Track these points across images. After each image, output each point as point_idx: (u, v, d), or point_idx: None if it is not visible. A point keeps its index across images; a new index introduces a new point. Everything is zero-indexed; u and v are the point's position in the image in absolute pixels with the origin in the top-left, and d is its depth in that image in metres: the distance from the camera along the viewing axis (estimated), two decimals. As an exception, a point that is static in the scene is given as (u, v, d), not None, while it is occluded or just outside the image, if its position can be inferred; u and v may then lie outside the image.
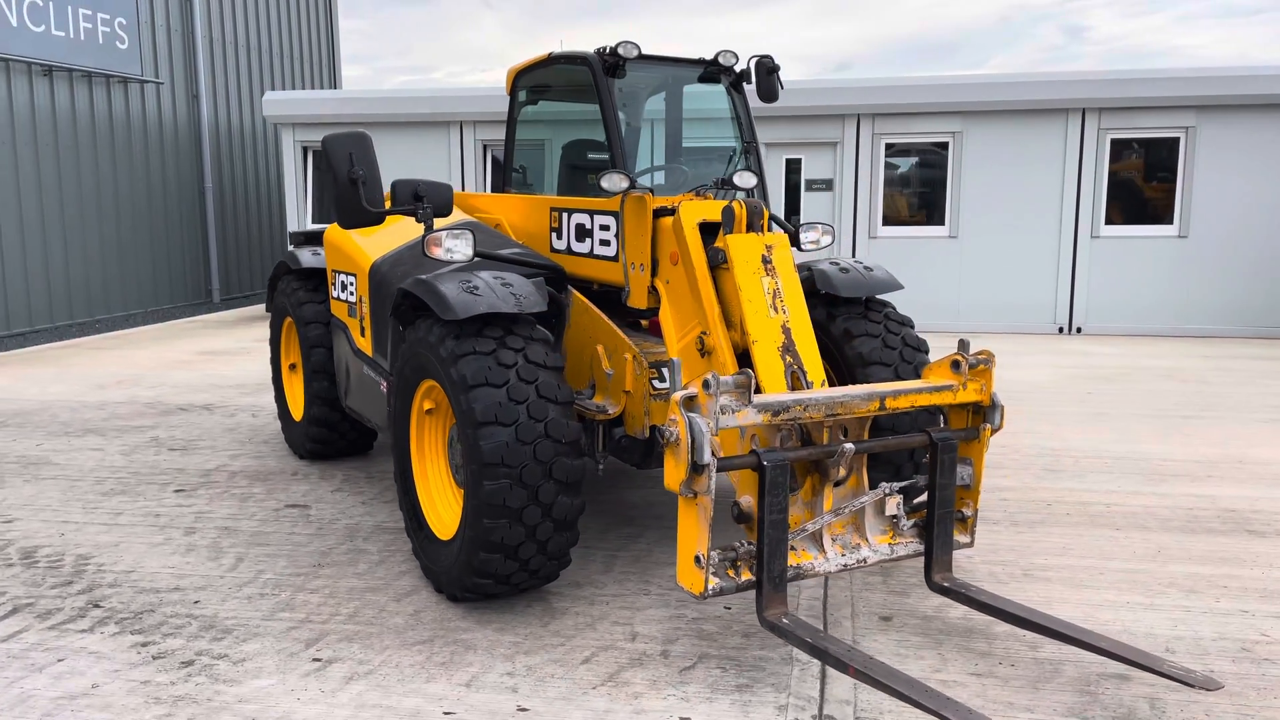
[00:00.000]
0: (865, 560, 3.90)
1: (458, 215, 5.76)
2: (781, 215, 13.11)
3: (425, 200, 4.64)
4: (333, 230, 6.20)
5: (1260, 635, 3.98)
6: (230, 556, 4.90)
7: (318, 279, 6.56)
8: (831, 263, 5.14)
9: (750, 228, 4.22)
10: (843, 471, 3.79)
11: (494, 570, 3.98)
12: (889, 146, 13.08)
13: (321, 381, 6.28)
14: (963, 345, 4.18)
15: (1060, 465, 6.54)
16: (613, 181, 4.44)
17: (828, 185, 13.28)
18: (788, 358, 4.00)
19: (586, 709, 3.41)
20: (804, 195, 13.37)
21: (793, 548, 3.82)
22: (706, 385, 3.43)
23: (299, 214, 14.67)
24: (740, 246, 4.13)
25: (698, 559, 3.52)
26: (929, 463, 3.95)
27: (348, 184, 4.41)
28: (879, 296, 5.25)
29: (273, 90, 17.83)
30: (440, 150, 14.06)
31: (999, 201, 12.84)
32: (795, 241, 5.53)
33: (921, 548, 4.01)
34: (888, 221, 13.23)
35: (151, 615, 4.20)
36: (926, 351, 5.00)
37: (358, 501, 5.78)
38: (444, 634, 4.01)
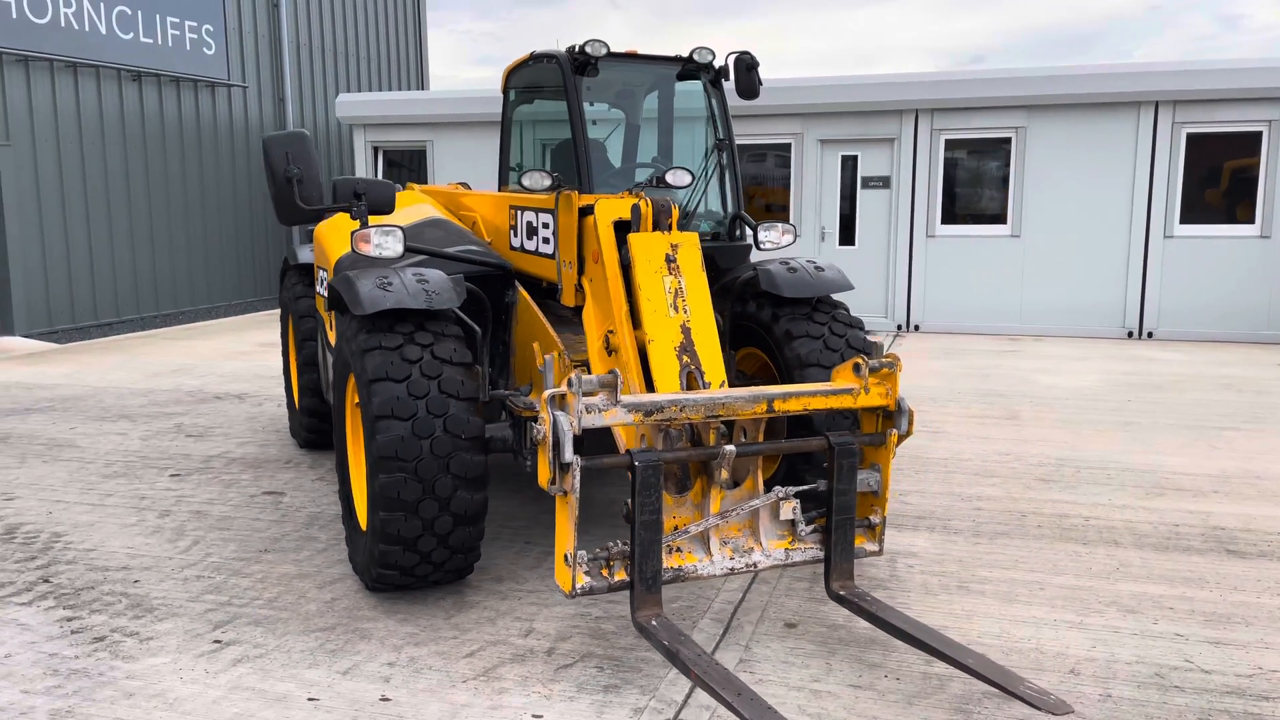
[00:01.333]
0: (756, 565, 3.83)
1: (426, 213, 5.86)
2: (835, 215, 12.90)
3: (364, 198, 4.75)
4: (320, 227, 6.40)
5: (1183, 661, 3.74)
6: (188, 539, 5.12)
7: (313, 274, 6.78)
8: (781, 262, 5.04)
9: (657, 226, 4.18)
10: (725, 474, 3.73)
11: (395, 562, 4.05)
12: (949, 142, 12.69)
13: (311, 373, 6.49)
14: (876, 349, 4.07)
15: (1057, 475, 6.25)
16: (534, 179, 4.47)
17: (885, 182, 12.97)
18: (684, 357, 3.96)
19: (446, 702, 3.45)
20: (860, 193, 13.09)
21: (678, 549, 3.78)
22: (570, 385, 3.43)
23: (368, 212, 15.12)
24: (642, 245, 4.10)
25: (566, 557, 3.53)
26: (828, 468, 3.85)
27: (284, 182, 4.55)
28: (833, 297, 5.13)
29: (350, 92, 18.41)
30: (501, 149, 14.28)
31: (1064, 199, 12.31)
32: (755, 242, 5.46)
33: (821, 554, 3.92)
34: (947, 219, 12.84)
35: (90, 592, 4.43)
36: (870, 354, 4.85)
37: (332, 490, 5.96)
38: (348, 622, 4.11)
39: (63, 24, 12.88)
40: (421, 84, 21.46)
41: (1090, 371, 9.96)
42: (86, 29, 13.22)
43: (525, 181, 4.48)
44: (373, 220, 4.76)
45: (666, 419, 3.58)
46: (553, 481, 3.48)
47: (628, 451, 3.57)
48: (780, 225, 5.46)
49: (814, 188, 13.18)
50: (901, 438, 3.95)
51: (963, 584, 4.50)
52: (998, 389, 9.05)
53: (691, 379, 3.94)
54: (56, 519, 5.45)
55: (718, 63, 5.90)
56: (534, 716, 3.36)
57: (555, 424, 3.40)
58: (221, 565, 4.76)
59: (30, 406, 8.50)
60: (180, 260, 14.96)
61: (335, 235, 6.14)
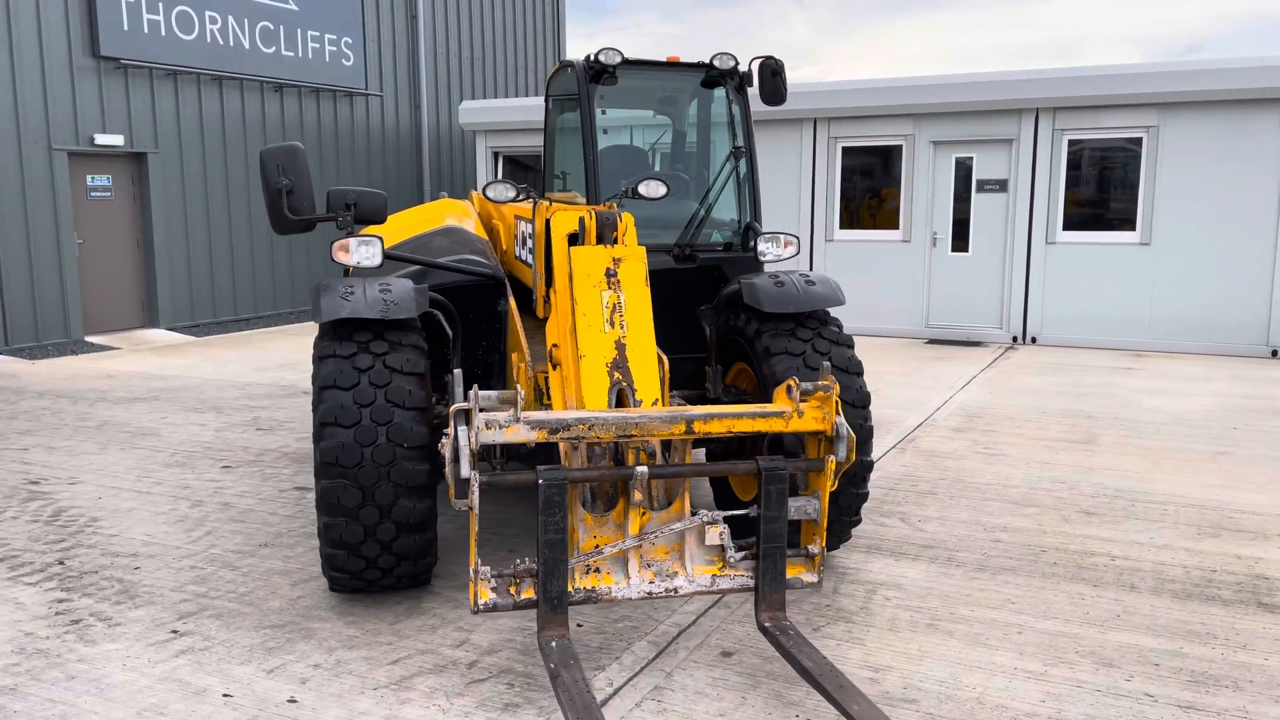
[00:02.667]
0: (677, 590, 3.71)
1: (442, 222, 5.96)
2: (948, 220, 12.35)
3: (355, 208, 4.89)
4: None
5: (1137, 726, 3.38)
6: (203, 530, 5.41)
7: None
8: (772, 275, 4.86)
9: (601, 240, 4.11)
10: (639, 495, 3.63)
11: (341, 565, 4.16)
12: (1072, 143, 11.91)
13: None
14: (823, 370, 3.87)
15: (1105, 508, 5.77)
16: (497, 190, 4.48)
17: (1001, 186, 12.31)
18: (616, 374, 3.88)
19: (347, 708, 3.52)
20: (974, 197, 12.47)
21: (596, 569, 3.71)
22: (468, 400, 3.42)
23: (488, 214, 15.56)
24: (583, 259, 4.04)
25: (471, 572, 3.53)
26: (758, 493, 3.69)
27: (275, 193, 4.74)
28: (829, 313, 4.91)
29: (485, 98, 18.96)
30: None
31: (1200, 204, 11.34)
32: (755, 253, 5.31)
33: (751, 583, 3.76)
34: (1069, 225, 12.05)
35: (91, 576, 4.75)
36: (860, 375, 4.62)
37: (357, 489, 6.16)
38: (300, 621, 4.25)
39: (208, 39, 13.85)
40: (559, 88, 21.86)
41: (1207, 394, 9.14)
42: (231, 44, 14.16)
43: (489, 192, 4.50)
44: (374, 229, 4.88)
45: (574, 437, 3.52)
46: (458, 495, 3.49)
47: (534, 468, 3.53)
48: (783, 236, 5.28)
49: (925, 191, 12.64)
50: (840, 465, 3.73)
51: (934, 622, 4.22)
52: (1090, 410, 8.44)
53: (623, 396, 3.86)
54: (102, 504, 5.87)
55: (728, 67, 5.75)
56: (421, 729, 3.38)
57: (455, 439, 3.41)
58: (218, 557, 5.00)
59: (140, 396, 9.19)
60: (316, 259, 15.82)
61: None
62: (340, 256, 4.66)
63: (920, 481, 6.31)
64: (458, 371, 3.61)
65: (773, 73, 5.84)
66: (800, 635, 3.61)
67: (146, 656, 3.91)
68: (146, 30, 13.03)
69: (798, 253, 5.38)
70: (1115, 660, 3.86)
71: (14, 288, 11.83)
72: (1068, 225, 12.06)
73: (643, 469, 3.56)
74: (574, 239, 4.21)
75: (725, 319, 5.02)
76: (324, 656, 3.91)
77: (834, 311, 13.25)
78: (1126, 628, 4.16)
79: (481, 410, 3.53)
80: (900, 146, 12.75)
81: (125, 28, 12.77)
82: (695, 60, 5.88)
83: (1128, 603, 4.42)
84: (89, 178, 12.77)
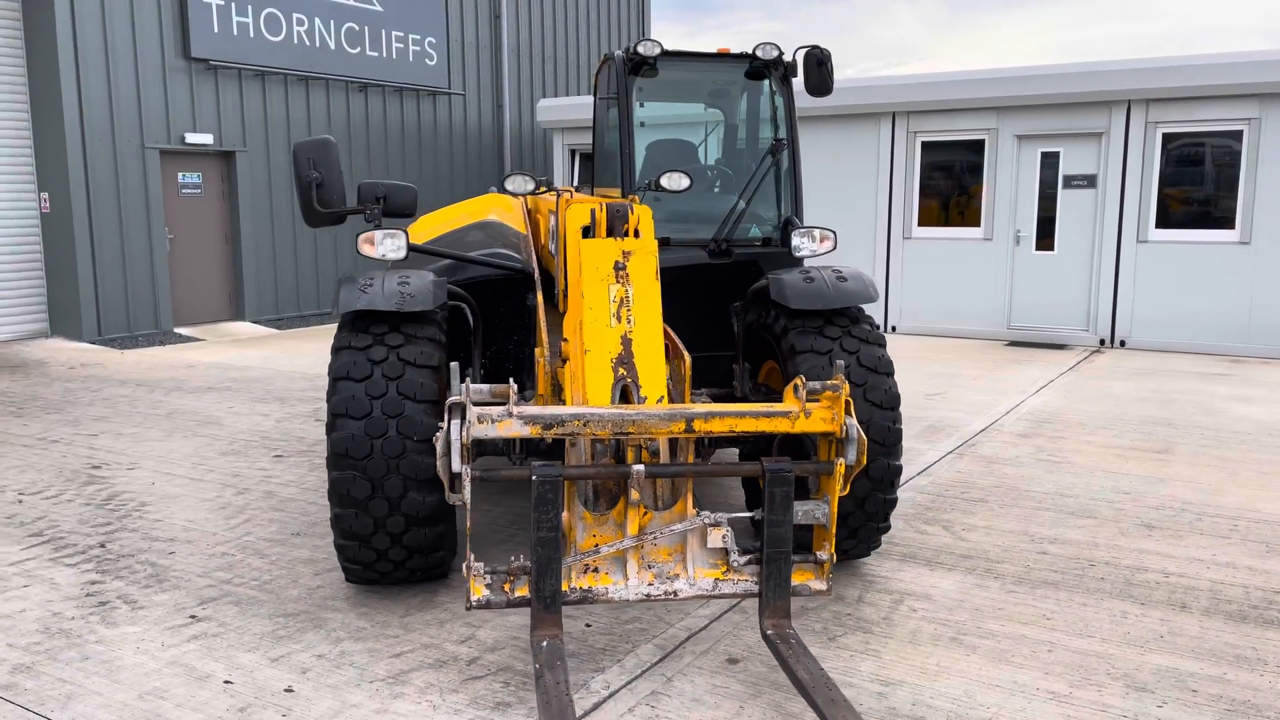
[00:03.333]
0: (677, 593, 3.60)
1: (482, 216, 5.95)
2: (1033, 217, 11.90)
3: (385, 201, 4.90)
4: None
5: (1160, 757, 3.14)
6: (242, 517, 5.51)
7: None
8: (802, 271, 4.70)
9: (611, 233, 4.01)
10: (636, 494, 3.52)
11: (352, 557, 4.17)
12: (1166, 136, 11.31)
13: None
14: (837, 368, 3.71)
15: (1169, 522, 5.42)
16: (515, 183, 4.42)
17: (1090, 182, 11.77)
18: (621, 370, 3.78)
19: (340, 700, 3.51)
20: (1061, 193, 11.95)
21: (595, 569, 3.62)
22: (463, 393, 3.38)
23: (564, 212, 15.61)
24: (591, 252, 3.95)
25: (465, 568, 3.48)
26: (763, 495, 3.56)
27: (305, 186, 4.78)
28: (862, 309, 4.72)
29: (563, 96, 19.04)
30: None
31: (1307, 201, 10.65)
32: (791, 248, 5.15)
33: (754, 588, 3.62)
34: (1161, 223, 11.46)
35: (128, 559, 4.87)
36: (890, 375, 4.43)
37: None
38: (314, 610, 4.27)
39: (295, 41, 14.22)
40: (644, 86, 21.82)
41: (1305, 402, 8.57)
42: (317, 45, 14.52)
43: (508, 185, 4.45)
44: (417, 223, 4.89)
45: (569, 433, 3.44)
46: (452, 490, 3.45)
47: (529, 464, 3.47)
48: (819, 231, 5.11)
49: (1009, 187, 12.18)
50: (850, 469, 3.57)
51: (959, 636, 4.01)
52: (1171, 417, 7.98)
53: (627, 392, 3.77)
54: (153, 490, 6.04)
55: (771, 58, 5.59)
56: (408, 725, 3.35)
57: (447, 433, 3.37)
58: (250, 544, 5.08)
59: (213, 386, 9.47)
60: (397, 256, 16.11)
61: (418, 232, 6.39)
62: (365, 249, 4.68)
63: (973, 488, 6.04)
64: (454, 364, 3.57)
65: (818, 63, 5.67)
66: (801, 645, 3.46)
67: (161, 640, 3.98)
68: (235, 32, 13.45)
69: (834, 248, 5.20)
70: (1149, 684, 3.60)
71: (108, 281, 12.34)
72: (1160, 223, 11.47)
73: (639, 467, 3.46)
74: (587, 231, 4.13)
75: (755, 316, 4.88)
76: (329, 647, 3.92)
77: (904, 310, 12.88)
78: (1168, 650, 3.88)
79: (475, 404, 3.48)
80: (983, 141, 12.31)
81: (215, 30, 13.21)
82: (739, 51, 5.75)
83: (1175, 623, 4.13)
84: (180, 175, 13.25)
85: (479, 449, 4.52)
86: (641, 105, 6.60)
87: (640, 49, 5.66)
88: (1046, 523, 5.40)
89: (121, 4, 12.25)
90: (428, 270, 4.66)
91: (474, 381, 4.70)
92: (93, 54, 11.98)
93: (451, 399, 3.41)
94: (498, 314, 5.36)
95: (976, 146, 12.40)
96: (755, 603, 4.32)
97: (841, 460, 3.56)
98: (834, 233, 5.14)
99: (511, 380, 3.40)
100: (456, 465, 3.36)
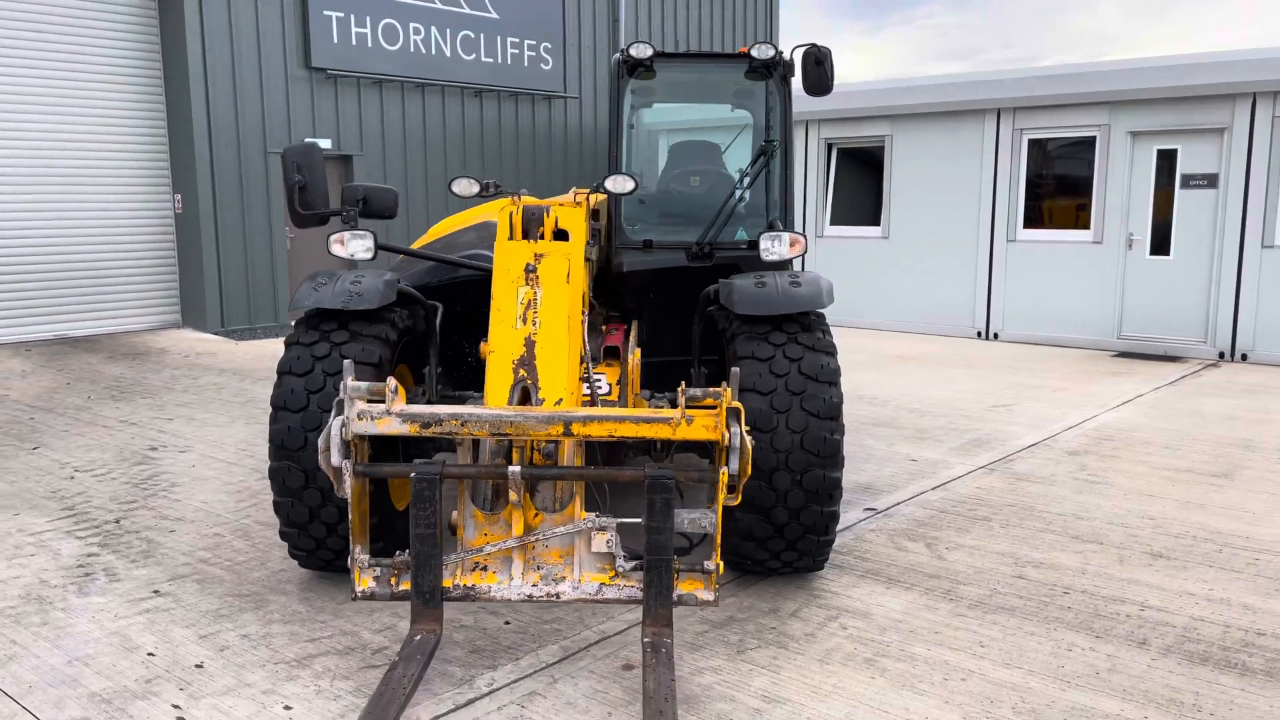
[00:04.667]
0: (559, 595, 3.61)
1: (483, 218, 6.07)
2: (1146, 220, 11.15)
3: (365, 203, 5.09)
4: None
5: (1017, 801, 2.93)
6: (252, 502, 5.84)
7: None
8: (756, 276, 4.60)
9: (526, 235, 4.04)
10: (514, 495, 3.55)
11: (295, 543, 4.37)
12: (1298, 132, 10.35)
13: None
14: (732, 377, 3.64)
15: (1181, 552, 5.00)
16: (461, 186, 4.51)
17: (1210, 181, 10.89)
18: (521, 371, 3.81)
19: (238, 679, 3.69)
20: (1178, 194, 11.11)
21: (483, 567, 3.68)
22: (339, 390, 3.50)
23: (669, 213, 15.66)
24: (504, 254, 4.00)
25: (350, 559, 3.61)
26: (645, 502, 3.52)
27: (290, 189, 5.03)
28: (820, 315, 4.58)
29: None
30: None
31: None
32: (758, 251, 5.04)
33: (639, 595, 3.59)
34: (1290, 227, 10.49)
35: (132, 536, 5.26)
36: (834, 384, 4.27)
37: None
38: (264, 592, 4.50)
39: (412, 49, 14.85)
40: (770, 86, 21.60)
41: None
42: (433, 52, 15.11)
43: (454, 188, 4.55)
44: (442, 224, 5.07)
45: (446, 433, 3.50)
46: (334, 485, 3.58)
47: (414, 460, 3.55)
48: (787, 235, 4.97)
49: (1121, 187, 11.42)
50: (734, 479, 3.48)
51: (875, 658, 3.84)
52: (1254, 439, 7.32)
53: (525, 394, 3.79)
54: (191, 471, 6.47)
55: (766, 58, 5.47)
56: (285, 707, 3.49)
57: (328, 429, 3.49)
58: (243, 528, 5.38)
59: (298, 378, 10.02)
60: (509, 256, 16.57)
61: (433, 232, 6.59)
62: (335, 249, 4.87)
63: (983, 505, 5.74)
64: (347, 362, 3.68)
65: (816, 61, 5.52)
66: (668, 656, 3.40)
67: (116, 612, 4.29)
68: (354, 42, 14.16)
69: (805, 251, 5.04)
70: (1052, 724, 3.36)
71: (231, 276, 13.24)
72: (1289, 226, 10.51)
73: (515, 468, 3.49)
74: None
75: (710, 321, 4.80)
76: (258, 628, 4.12)
77: (1006, 317, 12.26)
78: (1096, 688, 3.60)
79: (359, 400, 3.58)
80: (1094, 138, 11.59)
81: (335, 40, 13.94)
82: (734, 51, 5.65)
83: (1121, 660, 3.82)
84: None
85: (436, 446, 4.65)
86: (651, 106, 6.60)
87: (633, 51, 5.66)
88: (1043, 545, 5.08)
89: (248, 18, 13.11)
90: (389, 271, 4.82)
91: (434, 381, 4.83)
92: (220, 65, 12.88)
93: (338, 396, 3.53)
94: (477, 314, 5.48)
95: (1087, 144, 11.68)
96: (713, 609, 4.26)
97: (725, 469, 3.47)
98: (804, 236, 4.99)
99: (391, 378, 3.49)
100: (336, 460, 3.48)
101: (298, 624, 4.16)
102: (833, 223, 13.94)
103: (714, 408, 3.51)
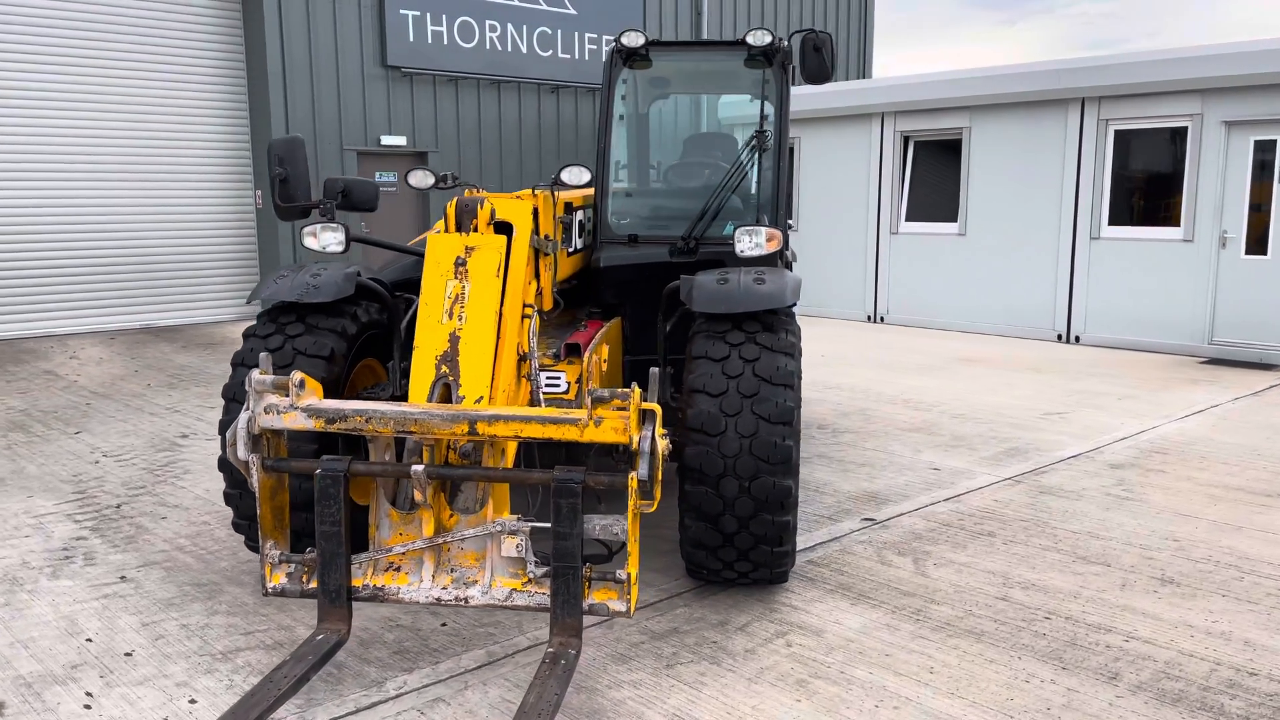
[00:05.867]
0: (468, 599, 3.50)
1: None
2: (1242, 217, 10.38)
3: (346, 196, 5.08)
4: None
5: None
6: (250, 492, 5.92)
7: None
8: (721, 272, 4.38)
9: (460, 228, 3.93)
10: (418, 495, 3.45)
11: (246, 534, 4.38)
12: None
13: None
14: (652, 379, 3.46)
15: (1195, 579, 4.56)
16: (416, 178, 4.43)
17: (1312, 175, 10.03)
18: (444, 367, 3.70)
19: (159, 669, 3.71)
20: (1276, 188, 10.27)
21: (397, 568, 3.59)
22: (245, 383, 3.46)
23: (744, 209, 15.38)
24: (435, 247, 3.89)
25: (260, 556, 3.57)
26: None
27: (272, 181, 5.05)
28: (788, 316, 4.34)
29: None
30: (862, 146, 13.64)
31: None
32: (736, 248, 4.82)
33: (548, 603, 3.44)
34: (1403, 224, 9.56)
35: (125, 521, 5.38)
36: (789, 387, 4.03)
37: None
38: (221, 582, 4.53)
39: (487, 46, 14.97)
40: (863, 72, 21.05)
41: None
42: (509, 49, 15.21)
43: (409, 179, 4.47)
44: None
45: (350, 429, 3.42)
46: (248, 480, 3.55)
47: (321, 458, 3.49)
48: (764, 230, 4.73)
49: (1214, 182, 10.63)
50: (644, 484, 3.29)
51: (809, 679, 3.60)
52: (1329, 454, 6.68)
53: (447, 391, 3.68)
54: (208, 460, 6.61)
55: (762, 44, 5.24)
56: (190, 701, 3.48)
57: (236, 423, 3.46)
58: (229, 518, 5.44)
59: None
60: (585, 252, 16.57)
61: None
62: (309, 242, 4.87)
63: (992, 520, 5.37)
64: (266, 354, 3.64)
65: (815, 48, 5.27)
66: (568, 669, 3.24)
67: (77, 596, 4.38)
68: (430, 41, 14.36)
69: (781, 248, 4.77)
70: (975, 763, 3.07)
71: (306, 270, 13.59)
72: (1402, 223, 9.58)
73: (418, 468, 3.39)
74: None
75: (675, 318, 4.61)
76: (201, 619, 4.14)
77: (1089, 319, 11.57)
78: (1040, 726, 3.28)
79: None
80: (1185, 128, 10.83)
81: (410, 39, 14.17)
82: (732, 39, 5.43)
83: (1082, 695, 3.47)
84: (376, 174, 14.33)
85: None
86: (668, 96, 6.44)
87: (625, 39, 5.51)
88: (1041, 565, 4.71)
89: (325, 18, 13.43)
90: (353, 265, 4.78)
91: (398, 375, 4.78)
92: (299, 64, 13.23)
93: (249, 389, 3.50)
94: None
95: (1177, 135, 10.92)
96: (672, 615, 4.10)
97: (634, 474, 3.30)
98: (780, 232, 4.74)
99: (295, 372, 3.43)
100: (241, 454, 3.44)
101: (240, 616, 4.16)
102: (908, 219, 13.43)
103: (625, 409, 3.34)
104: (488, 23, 14.92)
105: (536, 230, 4.36)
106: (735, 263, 5.07)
